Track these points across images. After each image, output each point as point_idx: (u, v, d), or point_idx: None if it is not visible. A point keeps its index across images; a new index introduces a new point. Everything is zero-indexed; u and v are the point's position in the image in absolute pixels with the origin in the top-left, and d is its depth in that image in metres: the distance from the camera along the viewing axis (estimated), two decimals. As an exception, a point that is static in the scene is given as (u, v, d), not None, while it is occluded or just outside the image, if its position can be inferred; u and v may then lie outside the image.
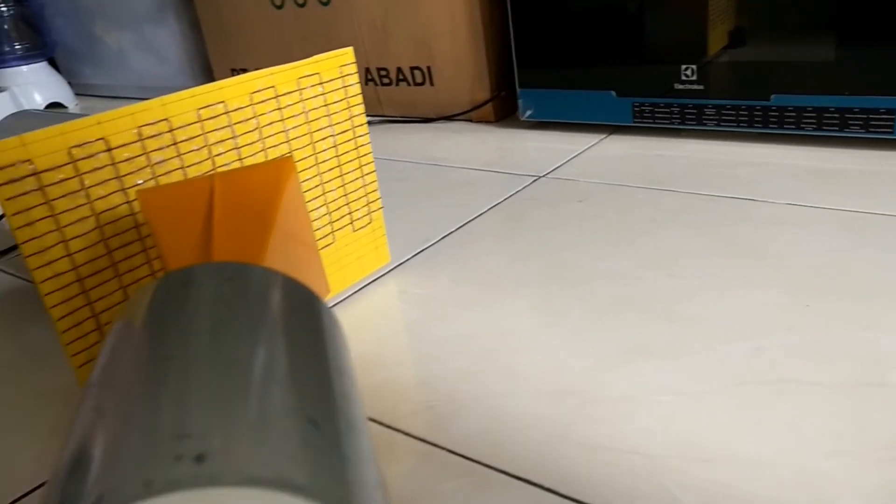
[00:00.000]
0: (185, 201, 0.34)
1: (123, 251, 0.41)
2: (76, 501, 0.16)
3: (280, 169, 0.36)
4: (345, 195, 0.53)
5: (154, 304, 0.23)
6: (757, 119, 0.75)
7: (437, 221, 0.67)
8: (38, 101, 1.49)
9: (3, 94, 1.44)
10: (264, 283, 0.25)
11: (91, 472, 0.16)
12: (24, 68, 1.49)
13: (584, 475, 0.35)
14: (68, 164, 0.37)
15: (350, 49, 0.51)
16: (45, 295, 0.38)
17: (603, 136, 0.87)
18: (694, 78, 0.77)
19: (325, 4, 1.03)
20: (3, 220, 0.77)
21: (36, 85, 1.49)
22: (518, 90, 0.90)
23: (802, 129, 0.72)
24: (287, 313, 0.24)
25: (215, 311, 0.22)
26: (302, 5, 1.05)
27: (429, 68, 0.98)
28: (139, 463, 0.16)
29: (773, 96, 0.73)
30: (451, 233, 0.64)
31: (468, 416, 0.40)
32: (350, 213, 0.54)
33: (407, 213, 0.70)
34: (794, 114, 0.72)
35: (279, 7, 1.08)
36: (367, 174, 0.55)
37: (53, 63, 1.61)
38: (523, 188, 0.73)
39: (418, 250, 0.61)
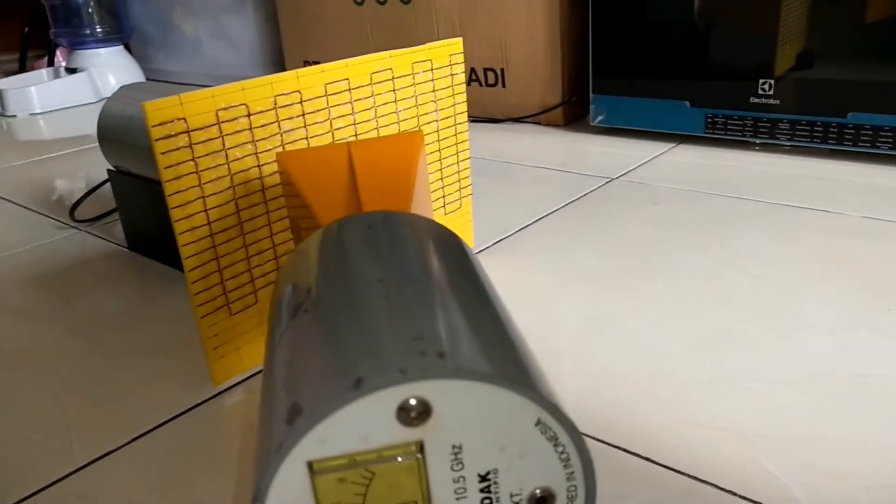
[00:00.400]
0: (324, 164, 0.37)
1: (249, 212, 0.44)
2: (337, 380, 0.18)
3: (412, 141, 0.39)
4: (441, 178, 0.56)
5: (342, 241, 0.26)
6: (831, 136, 0.76)
7: (515, 214, 0.69)
8: (113, 83, 1.54)
9: (82, 74, 1.50)
10: (429, 227, 0.28)
11: (341, 362, 0.19)
12: (102, 51, 1.55)
13: (680, 447, 0.37)
14: (214, 125, 0.41)
15: (459, 40, 0.53)
16: (183, 246, 0.41)
17: (672, 144, 0.88)
18: (770, 92, 0.79)
19: (406, 3, 1.06)
20: (99, 189, 0.81)
21: (112, 67, 1.55)
22: (591, 95, 0.92)
23: (878, 147, 0.74)
24: (453, 248, 0.27)
25: (401, 244, 0.25)
26: (382, 3, 1.09)
27: (502, 70, 1.01)
28: (391, 355, 0.19)
29: (850, 114, 0.74)
30: (530, 225, 0.67)
31: (565, 390, 0.42)
32: (444, 196, 0.57)
33: (484, 205, 0.73)
34: (870, 132, 0.74)
35: (359, 3, 1.12)
36: (462, 160, 0.57)
37: (127, 47, 1.67)
38: (597, 188, 0.75)
39: (499, 238, 0.64)
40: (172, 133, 0.39)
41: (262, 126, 0.43)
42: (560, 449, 0.20)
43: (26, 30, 1.69)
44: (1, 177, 0.98)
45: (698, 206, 0.68)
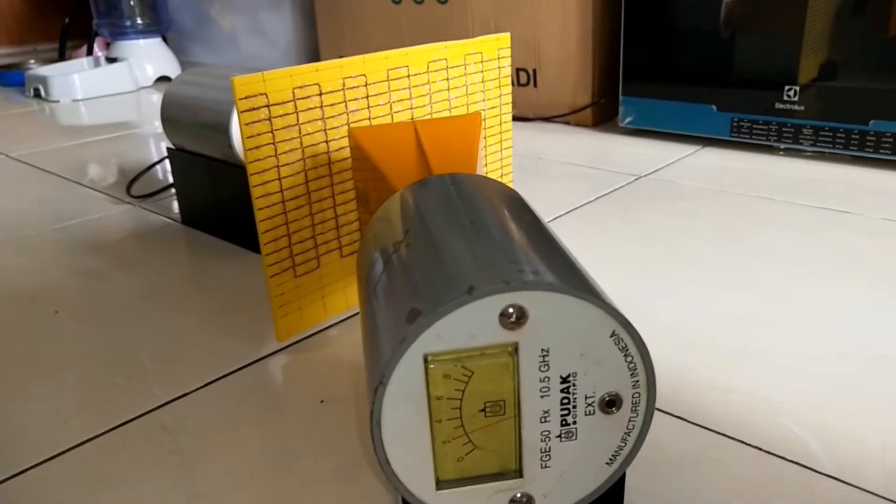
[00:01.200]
0: (394, 139, 0.41)
1: (316, 183, 0.48)
2: (452, 288, 0.22)
3: (472, 121, 0.42)
4: (485, 165, 0.59)
5: (429, 194, 0.30)
6: (853, 142, 0.79)
7: (549, 204, 0.73)
8: (150, 73, 1.59)
9: (122, 63, 1.55)
10: (497, 185, 0.32)
11: (454, 276, 0.23)
12: (142, 42, 1.60)
13: (710, 409, 0.40)
14: (290, 101, 0.44)
15: (508, 35, 0.57)
16: (258, 210, 0.45)
17: (698, 147, 0.92)
18: (795, 99, 0.82)
19: (443, 3, 1.10)
20: (153, 169, 0.86)
21: (150, 58, 1.60)
22: (621, 97, 0.95)
23: (898, 154, 0.77)
24: (520, 201, 0.32)
25: (480, 196, 0.29)
26: (420, 2, 1.13)
27: (534, 71, 1.05)
28: (495, 272, 0.23)
29: (872, 122, 0.77)
30: (563, 215, 0.70)
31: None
32: (487, 182, 0.60)
33: (519, 196, 0.76)
34: (891, 140, 0.77)
35: (397, 2, 1.16)
36: (504, 148, 0.61)
37: (164, 40, 1.72)
38: (626, 185, 0.79)
39: (535, 226, 0.67)
40: (256, 106, 0.42)
41: (332, 105, 0.47)
42: (629, 359, 0.24)
43: (67, 21, 1.75)
44: (51, 156, 1.02)
45: (724, 203, 0.72)
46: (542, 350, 0.23)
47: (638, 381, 0.24)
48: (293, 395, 0.44)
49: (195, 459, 0.38)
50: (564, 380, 0.24)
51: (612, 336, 0.24)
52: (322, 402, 0.42)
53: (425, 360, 0.23)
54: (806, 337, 0.47)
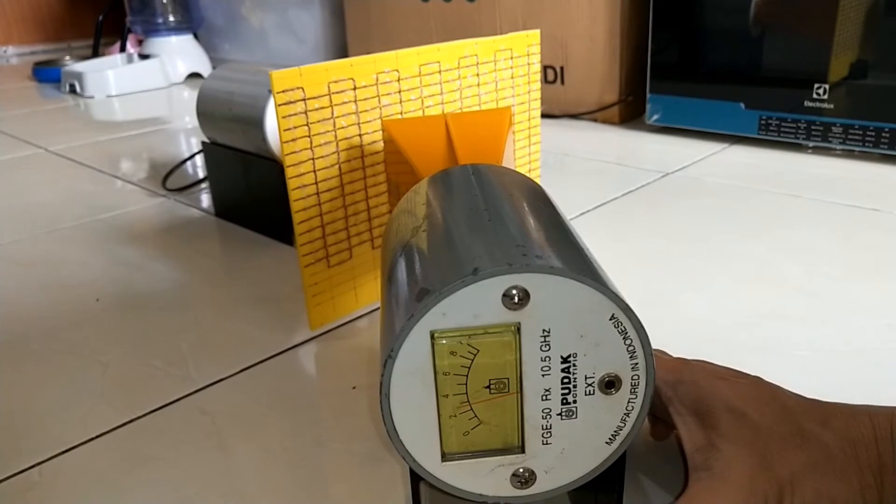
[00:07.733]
0: (425, 131, 0.42)
1: (349, 176, 0.49)
2: (458, 269, 0.24)
3: (501, 115, 0.43)
4: (514, 159, 0.60)
5: (451, 182, 0.32)
6: (883, 140, 0.79)
7: (576, 199, 0.74)
8: (182, 70, 1.62)
9: (154, 60, 1.58)
10: (518, 175, 0.34)
11: (461, 258, 0.25)
12: (173, 39, 1.62)
13: (735, 400, 0.41)
14: (325, 95, 0.46)
15: (537, 32, 0.58)
16: (294, 201, 0.46)
17: (725, 144, 0.92)
18: (825, 97, 0.82)
19: (471, 1, 1.11)
20: (186, 163, 0.87)
21: (181, 55, 1.63)
22: (648, 95, 0.96)
23: (929, 153, 0.76)
24: (537, 190, 0.33)
25: (499, 185, 0.31)
26: (448, 0, 1.14)
27: (562, 68, 1.05)
28: (499, 255, 0.24)
29: (902, 120, 0.77)
30: (590, 210, 0.71)
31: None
32: (515, 176, 0.61)
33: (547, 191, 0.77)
34: (921, 138, 0.76)
35: (425, 0, 1.17)
36: (533, 143, 0.62)
37: (195, 37, 1.74)
38: (653, 181, 0.79)
39: (562, 221, 0.68)
40: (293, 99, 0.44)
41: (365, 99, 0.48)
42: (629, 342, 0.25)
43: (101, 18, 1.78)
44: (88, 150, 1.05)
45: (751, 200, 0.72)
46: (544, 330, 0.25)
47: (637, 363, 0.26)
48: (325, 382, 0.45)
49: (231, 440, 0.39)
50: (565, 360, 0.25)
51: (611, 319, 0.25)
52: (354, 388, 0.44)
53: (432, 337, 0.25)
54: (830, 333, 0.47)
